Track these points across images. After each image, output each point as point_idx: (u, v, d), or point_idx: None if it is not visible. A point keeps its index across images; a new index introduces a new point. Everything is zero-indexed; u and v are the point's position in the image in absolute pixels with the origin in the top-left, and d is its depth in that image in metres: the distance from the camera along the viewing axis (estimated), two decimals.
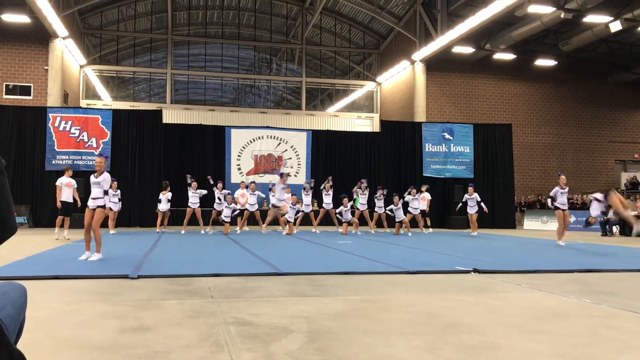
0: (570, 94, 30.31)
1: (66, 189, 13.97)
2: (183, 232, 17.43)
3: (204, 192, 17.64)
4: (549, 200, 14.19)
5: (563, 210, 13.88)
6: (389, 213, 18.20)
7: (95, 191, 9.17)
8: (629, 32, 24.89)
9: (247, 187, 18.63)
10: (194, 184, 17.69)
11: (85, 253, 9.04)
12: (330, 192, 18.21)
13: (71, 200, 14.10)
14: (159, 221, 17.32)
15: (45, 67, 24.26)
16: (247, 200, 18.16)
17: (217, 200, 17.72)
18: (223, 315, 4.82)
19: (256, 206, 18.34)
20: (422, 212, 19.90)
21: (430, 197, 20.13)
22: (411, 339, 4.06)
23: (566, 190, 13.93)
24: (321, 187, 18.60)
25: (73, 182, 14.25)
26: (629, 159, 31.18)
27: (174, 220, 21.32)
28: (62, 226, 14.15)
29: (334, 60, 33.63)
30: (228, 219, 16.94)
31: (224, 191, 17.69)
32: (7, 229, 2.02)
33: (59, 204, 13.99)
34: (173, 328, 4.31)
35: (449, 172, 23.27)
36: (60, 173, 14.80)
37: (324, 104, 34.09)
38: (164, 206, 17.17)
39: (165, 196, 17.14)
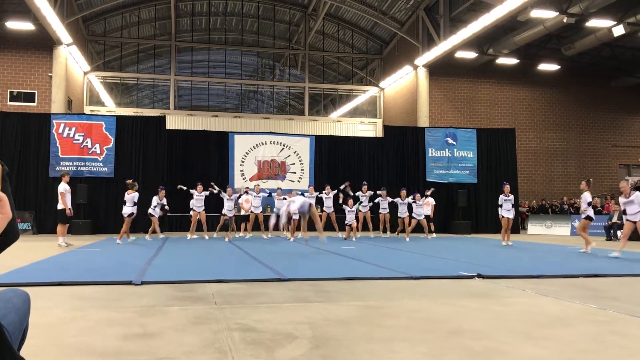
0: (574, 99, 30.27)
1: (68, 195, 13.92)
2: (189, 237, 17.30)
3: (207, 193, 17.72)
4: (499, 209, 15.84)
5: (508, 217, 15.55)
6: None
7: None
8: (632, 37, 24.85)
9: (250, 190, 18.58)
10: (199, 186, 17.70)
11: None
12: (331, 195, 18.24)
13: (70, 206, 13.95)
14: (204, 226, 17.63)
15: (49, 74, 24.35)
16: (252, 204, 18.21)
17: (227, 207, 17.45)
18: (227, 321, 4.81)
19: (260, 209, 18.38)
20: (427, 217, 19.91)
21: (434, 202, 20.11)
22: (415, 345, 4.04)
23: (510, 198, 15.60)
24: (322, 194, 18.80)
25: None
26: (633, 163, 31.09)
27: (180, 226, 21.44)
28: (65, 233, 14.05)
29: (336, 65, 33.66)
30: (231, 213, 16.97)
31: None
32: (9, 236, 2.02)
33: (69, 212, 13.71)
34: (177, 334, 4.31)
35: (453, 177, 23.23)
36: (70, 180, 14.60)
37: (327, 110, 34.12)
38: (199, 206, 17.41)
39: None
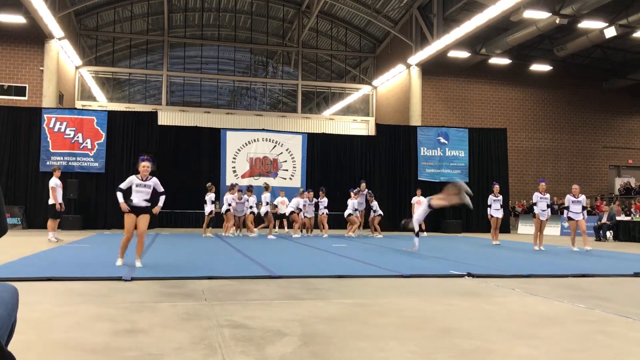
0: (565, 99, 30.43)
1: (59, 190, 13.83)
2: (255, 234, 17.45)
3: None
4: (488, 209, 15.97)
5: (497, 217, 15.72)
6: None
7: (144, 194, 8.45)
8: (623, 38, 25.02)
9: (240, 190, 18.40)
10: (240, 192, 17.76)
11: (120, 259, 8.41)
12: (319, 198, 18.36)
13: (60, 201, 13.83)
14: (205, 225, 16.89)
15: (41, 68, 24.19)
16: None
17: (265, 204, 17.58)
18: (217, 318, 4.80)
19: (254, 209, 18.30)
20: None
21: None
22: (405, 343, 4.06)
23: (499, 198, 15.81)
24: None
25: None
26: (623, 164, 31.31)
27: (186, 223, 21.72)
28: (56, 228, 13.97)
29: (330, 63, 33.66)
30: (241, 213, 17.54)
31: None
32: None
33: (59, 207, 13.60)
34: (166, 331, 4.30)
35: (444, 176, 23.27)
36: (61, 175, 14.41)
37: (319, 107, 34.11)
38: (208, 208, 16.72)
39: (208, 197, 16.74)
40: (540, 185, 14.23)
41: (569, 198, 13.67)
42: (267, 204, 17.57)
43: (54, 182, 13.69)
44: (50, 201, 13.68)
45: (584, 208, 13.65)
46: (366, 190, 18.99)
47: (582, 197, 13.65)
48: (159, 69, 30.88)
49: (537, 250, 13.50)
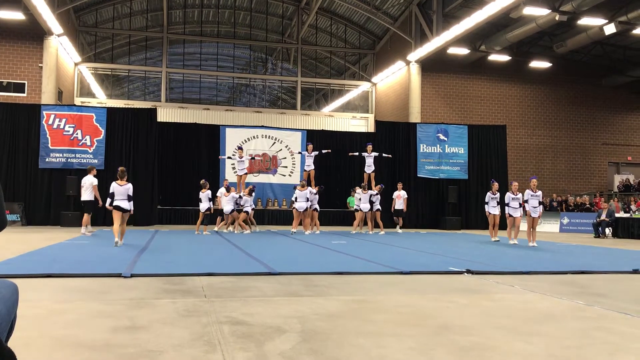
0: (565, 96, 30.42)
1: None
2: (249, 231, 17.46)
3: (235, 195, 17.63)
4: (486, 206, 16.04)
5: (494, 214, 15.79)
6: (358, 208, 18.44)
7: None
8: (623, 35, 24.99)
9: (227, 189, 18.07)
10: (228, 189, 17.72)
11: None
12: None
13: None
14: (199, 222, 16.64)
15: (40, 65, 24.14)
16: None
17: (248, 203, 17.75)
18: (216, 314, 4.81)
19: (247, 207, 18.15)
20: (399, 211, 19.73)
21: (406, 196, 19.88)
22: (404, 340, 4.07)
23: (496, 195, 15.79)
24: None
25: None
26: (622, 161, 31.32)
27: (184, 220, 21.63)
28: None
29: (329, 60, 33.61)
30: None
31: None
32: None
33: (101, 203, 14.49)
34: (166, 327, 4.30)
35: (444, 173, 23.30)
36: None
37: (319, 104, 34.08)
38: (204, 205, 16.40)
39: (205, 194, 16.36)
40: (532, 182, 14.31)
41: (527, 193, 14.12)
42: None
43: (94, 180, 14.82)
44: (84, 197, 14.78)
45: (540, 203, 14.17)
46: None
47: (539, 192, 14.23)
48: (158, 65, 30.84)
49: (532, 247, 13.63)
